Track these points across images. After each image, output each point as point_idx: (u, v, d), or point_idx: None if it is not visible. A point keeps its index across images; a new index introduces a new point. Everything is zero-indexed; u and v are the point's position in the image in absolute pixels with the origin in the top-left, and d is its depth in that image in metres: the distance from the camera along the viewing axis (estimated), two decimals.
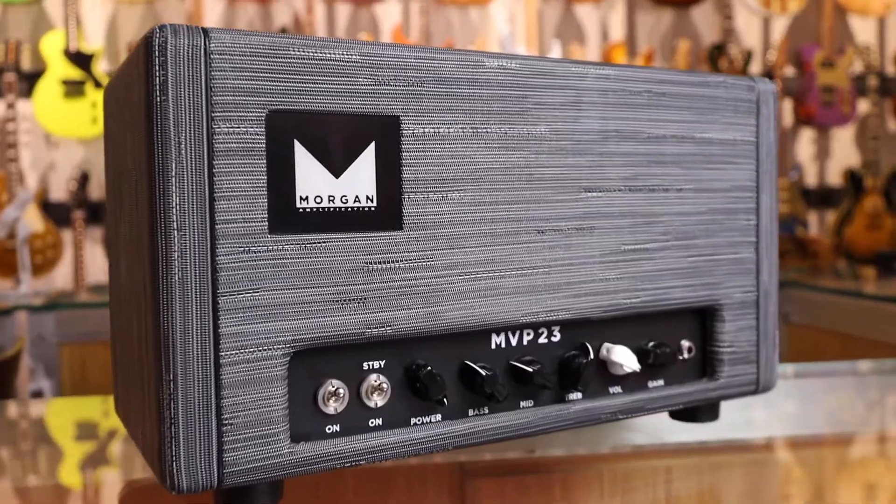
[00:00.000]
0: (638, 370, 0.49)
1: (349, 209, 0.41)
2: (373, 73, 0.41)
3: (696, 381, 0.54)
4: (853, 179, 3.10)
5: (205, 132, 0.38)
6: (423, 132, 0.43)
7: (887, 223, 3.05)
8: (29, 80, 2.72)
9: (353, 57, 0.41)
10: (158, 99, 0.37)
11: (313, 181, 0.40)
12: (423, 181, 0.43)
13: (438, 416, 0.45)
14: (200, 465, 0.38)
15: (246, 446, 0.39)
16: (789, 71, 3.18)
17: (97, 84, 2.69)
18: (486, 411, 0.46)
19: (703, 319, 0.54)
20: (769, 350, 0.55)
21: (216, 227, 0.38)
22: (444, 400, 0.44)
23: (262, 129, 0.39)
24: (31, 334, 2.06)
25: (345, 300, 0.41)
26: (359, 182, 0.41)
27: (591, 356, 0.48)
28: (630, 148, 0.49)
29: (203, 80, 0.37)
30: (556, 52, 2.89)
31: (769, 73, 3.07)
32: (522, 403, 0.47)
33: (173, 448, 0.38)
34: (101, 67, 2.75)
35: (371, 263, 0.42)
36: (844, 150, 3.35)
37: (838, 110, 3.10)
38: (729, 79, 0.53)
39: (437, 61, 0.43)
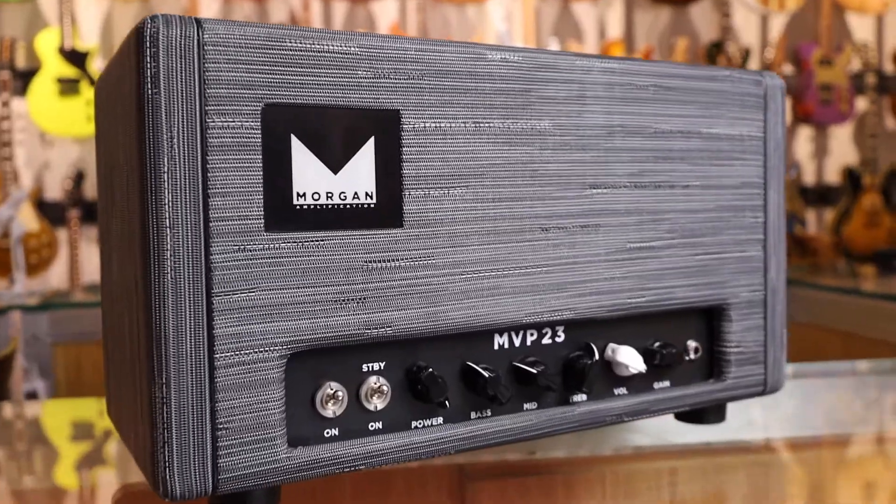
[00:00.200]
0: (644, 371, 0.48)
1: (348, 206, 0.40)
2: (372, 65, 0.40)
3: (702, 382, 0.53)
4: (851, 177, 3.09)
5: (198, 126, 0.36)
6: (424, 126, 0.42)
7: (885, 221, 3.05)
8: (23, 78, 2.70)
9: (352, 49, 0.40)
10: (150, 92, 0.36)
11: (311, 177, 0.39)
12: (424, 177, 0.42)
13: (440, 419, 0.44)
14: (194, 470, 0.37)
15: (241, 451, 0.38)
16: (787, 69, 3.18)
17: (92, 82, 2.68)
18: (489, 414, 0.45)
19: (709, 319, 0.53)
20: (777, 350, 0.54)
21: (210, 224, 0.37)
22: (446, 402, 0.43)
23: (258, 124, 0.38)
24: (26, 334, 2.05)
25: (343, 300, 0.40)
26: (358, 178, 0.40)
27: (596, 357, 0.47)
28: (636, 143, 0.48)
29: (196, 72, 0.36)
30: (553, 49, 2.89)
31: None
32: (526, 406, 0.46)
33: (166, 453, 0.36)
34: (96, 65, 2.73)
35: (370, 262, 0.40)
36: (842, 148, 3.34)
37: (836, 108, 3.10)
38: (736, 73, 0.52)
39: (439, 54, 0.42)
